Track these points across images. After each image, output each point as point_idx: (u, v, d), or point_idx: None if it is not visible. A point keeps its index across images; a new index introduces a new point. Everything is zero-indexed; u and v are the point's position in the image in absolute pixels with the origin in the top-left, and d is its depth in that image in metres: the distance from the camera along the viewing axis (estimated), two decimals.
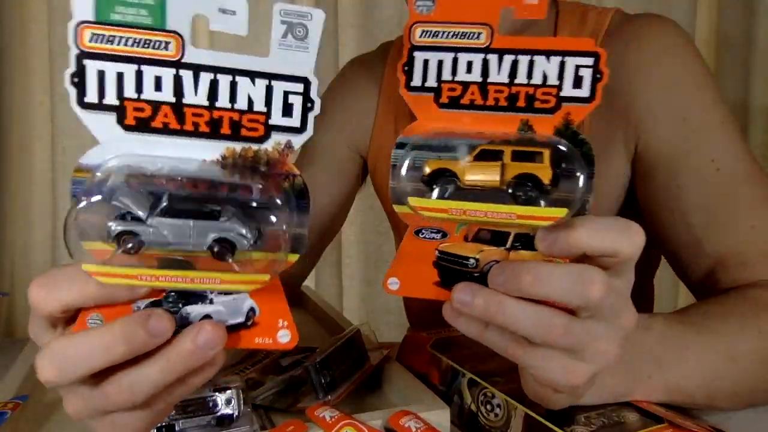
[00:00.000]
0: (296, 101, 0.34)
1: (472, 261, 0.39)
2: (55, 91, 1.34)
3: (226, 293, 0.36)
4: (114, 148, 0.33)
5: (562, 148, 0.36)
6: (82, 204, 0.32)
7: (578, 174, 0.35)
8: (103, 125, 0.33)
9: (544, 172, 0.36)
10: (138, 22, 0.32)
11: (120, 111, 0.33)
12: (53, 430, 0.51)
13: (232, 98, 0.33)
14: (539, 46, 0.36)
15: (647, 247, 0.70)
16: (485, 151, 0.37)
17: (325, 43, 1.41)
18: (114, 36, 0.32)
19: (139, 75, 0.32)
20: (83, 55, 0.32)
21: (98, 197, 0.32)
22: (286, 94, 0.34)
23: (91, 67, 0.32)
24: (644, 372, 0.48)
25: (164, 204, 0.32)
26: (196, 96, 0.33)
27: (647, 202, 0.66)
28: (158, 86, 0.33)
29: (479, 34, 0.37)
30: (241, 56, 0.34)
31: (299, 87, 0.34)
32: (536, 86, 0.37)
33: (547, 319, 0.35)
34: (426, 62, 0.37)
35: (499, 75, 0.37)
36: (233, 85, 0.33)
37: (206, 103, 0.33)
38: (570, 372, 0.37)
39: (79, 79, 0.32)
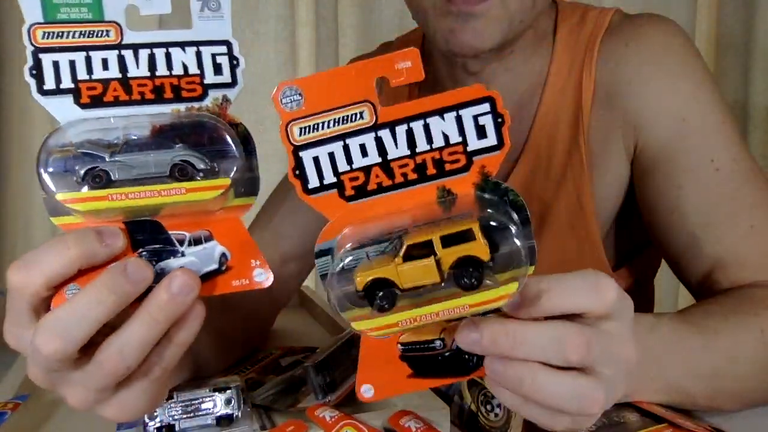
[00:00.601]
0: (224, 61, 0.39)
1: (438, 343, 0.37)
2: None
3: (196, 244, 0.38)
4: (74, 126, 0.37)
5: (489, 213, 0.33)
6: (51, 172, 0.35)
7: (513, 234, 0.33)
8: (62, 107, 0.37)
9: (480, 249, 0.33)
10: (81, 18, 0.37)
11: (76, 92, 0.37)
12: (53, 430, 0.51)
13: (169, 67, 0.38)
14: (428, 107, 0.34)
15: (647, 248, 0.71)
16: (413, 246, 0.33)
17: (325, 44, 1.40)
18: (63, 31, 0.37)
19: (88, 60, 0.37)
20: (38, 50, 0.37)
21: (62, 167, 0.35)
22: (213, 56, 0.39)
23: (47, 59, 0.37)
24: (647, 373, 0.48)
25: (123, 145, 0.36)
26: (138, 69, 0.38)
27: (646, 203, 0.66)
28: (105, 66, 0.37)
29: (361, 113, 0.34)
30: (169, 31, 0.38)
31: (223, 49, 0.39)
32: (440, 149, 0.34)
33: (535, 383, 0.33)
34: (317, 160, 0.34)
35: (397, 149, 0.34)
36: (168, 56, 0.38)
37: (148, 74, 0.38)
38: (570, 422, 0.36)
39: (37, 71, 0.37)
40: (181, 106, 0.38)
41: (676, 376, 0.49)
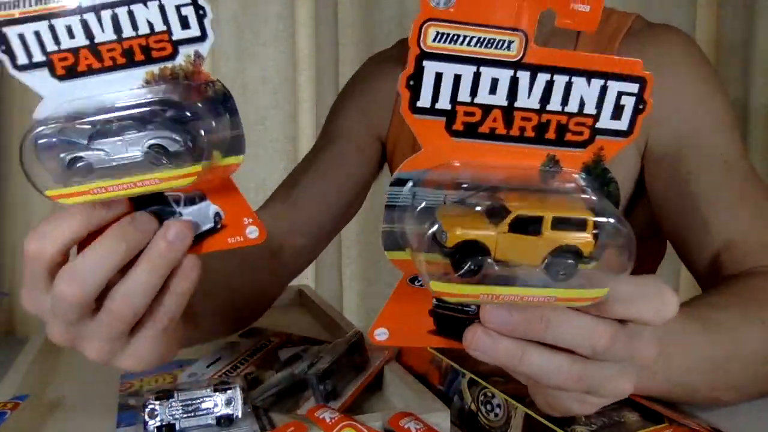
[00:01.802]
0: (189, 12, 0.36)
1: (473, 307, 0.35)
2: None
3: (191, 204, 0.40)
4: (55, 97, 0.37)
5: (600, 204, 0.31)
6: (38, 149, 0.37)
7: (621, 234, 0.30)
8: (41, 81, 0.37)
9: (586, 242, 0.30)
10: None
11: (50, 65, 0.36)
12: (53, 430, 0.51)
13: (134, 26, 0.36)
14: (581, 64, 0.30)
15: (652, 237, 0.72)
16: (522, 218, 0.30)
17: (325, 44, 1.40)
18: (19, 0, 0.36)
19: (52, 29, 0.36)
20: (0, 24, 0.35)
21: (45, 142, 0.36)
22: (177, 8, 0.36)
23: (12, 32, 0.36)
24: (651, 367, 0.48)
25: (98, 128, 0.36)
26: (104, 33, 0.36)
27: (656, 192, 0.69)
28: (71, 34, 0.36)
29: (510, 43, 0.30)
30: None
31: None
32: (570, 115, 0.31)
33: (561, 366, 0.34)
34: (438, 78, 0.30)
35: (529, 99, 0.31)
36: (131, 14, 0.36)
37: (114, 37, 0.36)
38: (582, 404, 0.37)
39: (6, 46, 0.36)
40: (154, 68, 0.37)
41: (678, 369, 0.49)
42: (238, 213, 0.40)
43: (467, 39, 0.29)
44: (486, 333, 0.33)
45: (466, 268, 0.30)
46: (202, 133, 0.36)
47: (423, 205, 0.31)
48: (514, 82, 0.30)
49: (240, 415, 0.48)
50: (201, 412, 0.47)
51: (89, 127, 0.36)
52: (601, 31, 0.74)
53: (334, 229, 0.86)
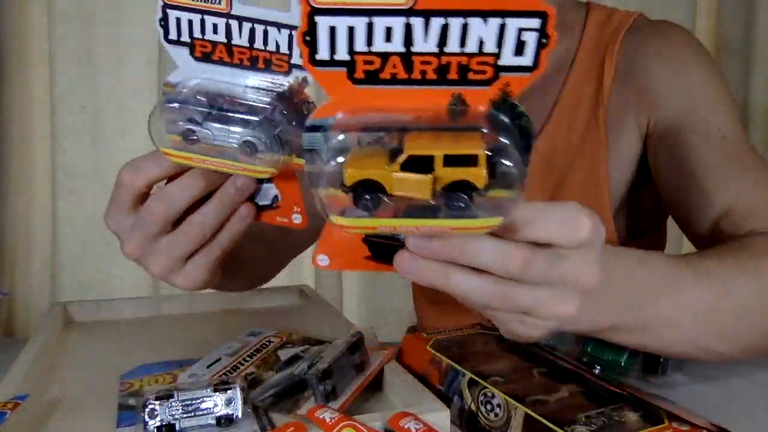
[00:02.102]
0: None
1: (402, 235, 0.38)
2: (55, 91, 1.34)
3: (260, 183, 0.50)
4: (188, 72, 0.47)
5: (500, 141, 0.32)
6: (166, 107, 0.46)
7: (513, 167, 0.32)
8: (181, 56, 0.47)
9: (479, 176, 0.31)
10: None
11: (192, 46, 0.46)
12: (53, 430, 0.51)
13: (265, 42, 0.45)
14: (475, 4, 0.30)
15: (653, 231, 0.73)
16: (414, 157, 0.32)
17: None
18: None
19: (203, 22, 0.46)
20: (166, 6, 0.45)
21: (175, 104, 0.46)
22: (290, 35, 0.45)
23: (172, 15, 0.46)
24: (634, 303, 0.48)
25: (213, 113, 0.45)
26: (240, 39, 0.46)
27: (659, 169, 0.71)
28: (215, 31, 0.46)
29: None
30: (270, 11, 0.45)
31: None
32: (470, 55, 0.31)
33: (483, 286, 0.37)
34: (333, 31, 0.31)
35: (425, 43, 0.31)
36: (265, 33, 0.45)
37: (247, 44, 0.46)
38: (523, 326, 0.40)
39: (164, 22, 0.46)
40: (271, 77, 0.47)
41: (667, 308, 0.49)
42: (291, 200, 0.51)
43: None
44: (412, 257, 0.37)
45: (362, 202, 0.33)
46: (286, 140, 0.46)
47: (333, 145, 0.33)
48: (408, 29, 0.31)
49: (240, 415, 0.48)
50: (201, 412, 0.47)
51: (207, 110, 0.45)
52: (602, 30, 0.77)
53: None
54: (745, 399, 0.59)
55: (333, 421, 0.44)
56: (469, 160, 0.31)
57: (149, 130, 0.46)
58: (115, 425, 0.50)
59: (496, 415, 0.49)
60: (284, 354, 0.62)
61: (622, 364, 0.53)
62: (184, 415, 0.47)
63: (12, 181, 1.37)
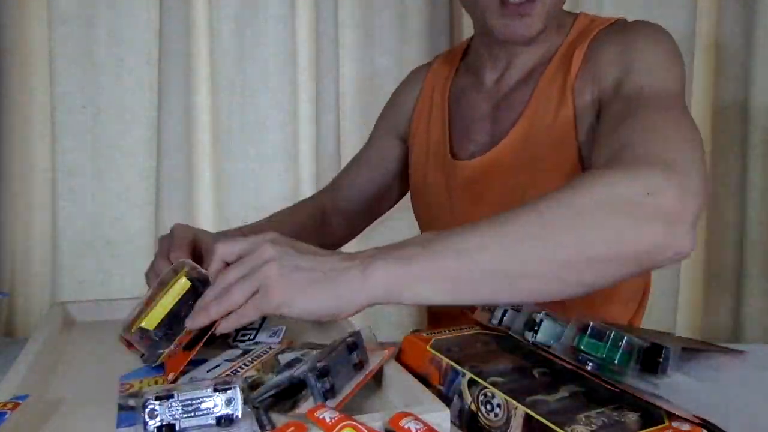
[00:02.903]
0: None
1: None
2: (55, 91, 1.34)
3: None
4: None
5: None
6: None
7: None
8: None
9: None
10: None
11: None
12: (53, 430, 0.51)
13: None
14: None
15: None
16: None
17: (324, 45, 1.40)
18: None
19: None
20: None
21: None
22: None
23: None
24: (425, 270, 0.53)
25: None
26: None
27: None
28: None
29: None
30: None
31: None
32: None
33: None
34: None
35: None
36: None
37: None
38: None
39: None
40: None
41: (482, 261, 0.53)
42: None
43: None
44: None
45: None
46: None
47: None
48: None
49: (240, 415, 0.48)
50: (201, 412, 0.47)
51: None
52: (583, 30, 0.86)
53: (368, 212, 1.09)
54: (745, 399, 0.59)
55: (333, 421, 0.44)
56: None
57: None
58: (115, 425, 0.50)
59: (496, 415, 0.49)
60: (284, 358, 0.62)
61: (616, 361, 0.53)
62: (184, 415, 0.47)
63: (12, 181, 1.37)
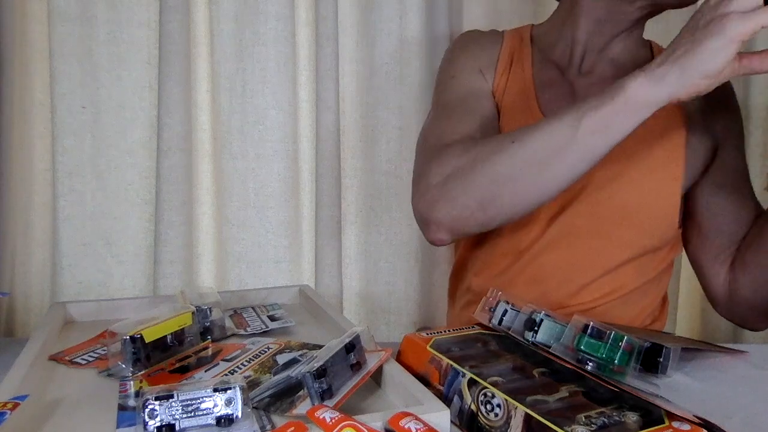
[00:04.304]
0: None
1: None
2: (55, 91, 1.34)
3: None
4: None
5: None
6: None
7: None
8: None
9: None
10: None
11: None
12: (53, 430, 0.51)
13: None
14: None
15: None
16: None
17: (325, 43, 1.40)
18: None
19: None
20: None
21: None
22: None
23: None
24: None
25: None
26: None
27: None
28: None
29: None
30: None
31: None
32: None
33: None
34: None
35: None
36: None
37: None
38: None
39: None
40: None
41: None
42: None
43: None
44: None
45: None
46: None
47: None
48: None
49: (240, 415, 0.48)
50: (201, 412, 0.47)
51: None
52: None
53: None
54: (745, 399, 0.59)
55: (333, 421, 0.44)
56: None
57: None
58: (115, 425, 0.50)
59: (496, 415, 0.49)
60: (282, 359, 0.62)
61: (616, 361, 0.53)
62: (184, 415, 0.47)
63: (12, 181, 1.37)
